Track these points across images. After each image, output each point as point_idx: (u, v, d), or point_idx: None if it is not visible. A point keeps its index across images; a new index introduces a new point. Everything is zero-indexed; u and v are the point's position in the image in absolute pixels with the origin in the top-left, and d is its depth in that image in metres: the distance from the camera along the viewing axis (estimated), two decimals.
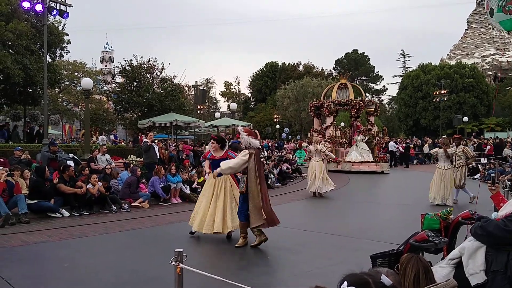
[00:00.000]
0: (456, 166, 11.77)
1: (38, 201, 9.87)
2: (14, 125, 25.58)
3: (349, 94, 25.89)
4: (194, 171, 14.80)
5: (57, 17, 19.76)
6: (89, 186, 10.73)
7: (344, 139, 25.31)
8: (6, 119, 31.60)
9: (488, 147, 26.38)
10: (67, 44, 25.00)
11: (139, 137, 14.79)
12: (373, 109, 26.32)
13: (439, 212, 4.56)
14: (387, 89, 71.99)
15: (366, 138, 23.31)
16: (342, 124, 30.10)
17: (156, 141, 14.52)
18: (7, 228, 8.54)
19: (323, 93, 28.52)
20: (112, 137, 34.25)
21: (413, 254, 3.05)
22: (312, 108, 27.17)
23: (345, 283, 1.80)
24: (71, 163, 12.24)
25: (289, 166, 19.73)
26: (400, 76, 69.45)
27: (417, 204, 11.36)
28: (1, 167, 10.50)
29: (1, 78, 22.16)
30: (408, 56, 76.87)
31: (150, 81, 28.18)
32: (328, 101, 25.70)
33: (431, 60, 62.01)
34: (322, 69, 65.02)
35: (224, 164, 7.02)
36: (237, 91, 71.13)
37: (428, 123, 46.81)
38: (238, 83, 70.97)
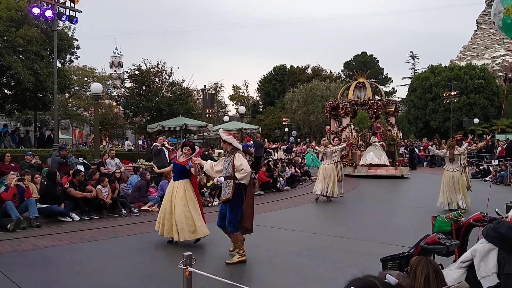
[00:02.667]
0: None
1: (49, 205, 9.93)
2: (25, 130, 25.85)
3: (367, 94, 24.39)
4: (202, 174, 14.80)
5: (67, 23, 19.95)
6: (102, 190, 10.80)
7: (361, 142, 23.85)
8: (17, 124, 31.96)
9: (499, 148, 26.11)
10: (76, 49, 25.23)
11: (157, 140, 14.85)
12: (393, 109, 24.55)
13: (450, 214, 4.52)
14: (396, 91, 71.75)
15: (381, 142, 21.84)
16: (353, 127, 27.03)
17: (166, 144, 14.54)
18: (18, 232, 8.60)
19: (340, 92, 27.18)
20: (140, 142, 33.76)
21: (422, 256, 3.02)
22: (328, 108, 25.74)
23: None
24: (81, 167, 12.33)
25: (298, 170, 19.69)
26: (409, 78, 69.23)
27: (427, 206, 11.25)
28: (12, 172, 10.58)
29: (12, 84, 22.41)
30: (417, 58, 76.74)
31: (159, 85, 28.36)
32: (344, 101, 24.26)
33: (440, 62, 61.78)
34: (330, 72, 64.95)
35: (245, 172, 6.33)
36: (246, 95, 71.29)
37: (438, 125, 46.46)
38: (247, 86, 71.30)
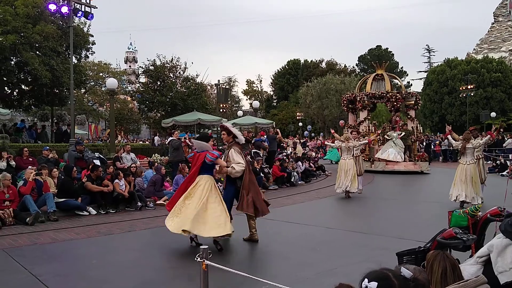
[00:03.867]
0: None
1: (66, 199, 10.10)
2: (42, 125, 26.19)
3: (386, 86, 23.57)
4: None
5: (82, 19, 20.11)
6: (120, 183, 10.93)
7: (379, 136, 22.61)
8: (34, 120, 32.41)
9: None
10: (92, 45, 25.43)
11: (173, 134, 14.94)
12: (413, 102, 23.40)
13: (467, 209, 4.48)
14: (411, 85, 70.95)
15: (402, 134, 21.06)
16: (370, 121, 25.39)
17: (183, 138, 14.60)
18: (36, 225, 8.76)
19: (358, 85, 26.40)
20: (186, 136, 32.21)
21: (439, 251, 3.01)
22: (345, 102, 24.83)
23: (366, 280, 1.80)
24: (97, 162, 12.48)
25: (312, 164, 19.66)
26: (425, 71, 68.41)
27: (443, 201, 11.12)
28: (30, 166, 10.75)
29: (29, 80, 22.70)
30: (433, 51, 75.87)
31: (173, 80, 28.52)
32: (361, 94, 23.46)
33: (457, 55, 60.90)
34: (345, 66, 64.53)
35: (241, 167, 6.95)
36: (260, 89, 71.23)
37: (454, 119, 45.91)
38: (261, 81, 71.19)
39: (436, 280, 2.73)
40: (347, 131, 23.12)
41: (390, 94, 22.98)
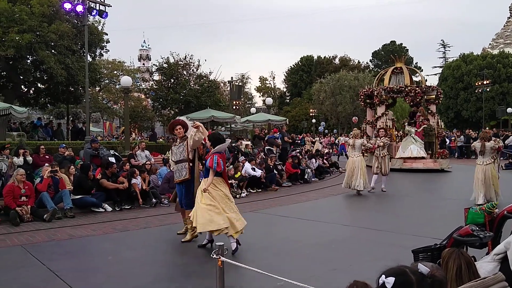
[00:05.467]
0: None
1: (82, 196, 10.23)
2: (57, 123, 26.54)
3: (405, 80, 22.67)
4: (230, 166, 14.92)
5: (97, 17, 20.30)
6: (134, 181, 11.03)
7: (397, 132, 22.31)
8: (50, 117, 32.84)
9: None
10: (106, 43, 25.66)
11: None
12: (434, 96, 22.45)
13: (483, 206, 4.44)
14: (426, 80, 70.08)
15: (421, 129, 20.41)
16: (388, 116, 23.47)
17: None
18: (53, 222, 8.90)
19: (376, 79, 25.41)
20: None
21: (454, 248, 2.99)
22: (362, 97, 24.05)
23: (383, 276, 1.80)
24: (112, 159, 12.60)
25: (325, 161, 19.60)
26: (440, 67, 67.69)
27: (460, 198, 11.02)
28: (47, 164, 10.89)
29: (45, 78, 23.02)
30: (448, 46, 74.82)
31: (187, 77, 28.64)
32: (379, 89, 22.58)
33: (472, 50, 60.09)
34: (358, 62, 64.08)
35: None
36: (273, 86, 71.10)
37: (470, 115, 45.40)
38: (273, 78, 70.98)
39: (451, 278, 2.72)
40: (365, 127, 22.96)
41: (409, 88, 21.99)
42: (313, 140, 28.33)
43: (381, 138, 13.35)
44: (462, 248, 3.45)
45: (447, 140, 28.80)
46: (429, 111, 22.29)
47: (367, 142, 13.52)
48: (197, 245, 6.75)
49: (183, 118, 7.93)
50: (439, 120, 22.71)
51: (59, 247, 7.06)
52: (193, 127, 7.04)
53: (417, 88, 22.22)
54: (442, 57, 74.95)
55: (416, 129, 20.54)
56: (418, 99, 22.19)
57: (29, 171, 10.69)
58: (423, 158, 19.54)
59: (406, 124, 21.52)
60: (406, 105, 32.50)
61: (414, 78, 28.10)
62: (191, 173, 7.19)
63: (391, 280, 1.76)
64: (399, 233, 7.58)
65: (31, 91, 25.16)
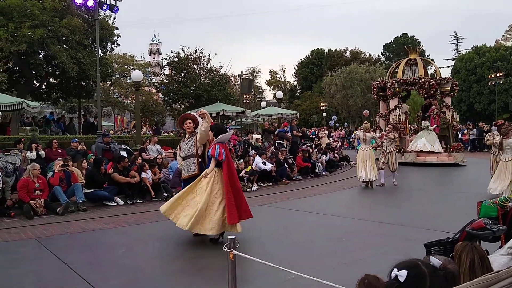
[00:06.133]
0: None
1: (94, 190, 10.33)
2: (69, 117, 26.77)
3: (419, 71, 22.07)
4: (241, 160, 14.95)
5: (107, 12, 20.38)
6: (144, 175, 11.10)
7: (410, 125, 21.82)
8: (62, 112, 33.14)
9: None
10: (117, 38, 25.76)
11: None
12: (449, 88, 21.66)
13: (496, 200, 4.40)
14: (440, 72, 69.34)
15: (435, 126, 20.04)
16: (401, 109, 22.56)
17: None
18: (67, 215, 9.01)
19: (389, 71, 24.87)
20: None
21: (467, 242, 2.97)
22: (375, 89, 23.45)
23: (395, 269, 1.80)
24: (123, 153, 12.69)
25: (336, 155, 19.53)
26: (453, 59, 66.84)
27: (473, 192, 10.92)
28: (59, 158, 10.99)
29: (57, 73, 23.19)
30: (461, 39, 73.76)
31: (197, 71, 28.66)
32: (391, 81, 22.00)
33: (485, 42, 59.19)
34: (369, 55, 63.51)
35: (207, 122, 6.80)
36: (283, 80, 70.85)
37: (483, 108, 44.88)
38: (284, 71, 70.68)
39: (464, 272, 2.70)
40: (378, 120, 22.76)
41: (423, 80, 21.33)
42: (322, 135, 28.07)
43: (389, 134, 13.27)
44: (475, 242, 3.43)
45: (459, 134, 28.49)
46: (444, 104, 21.69)
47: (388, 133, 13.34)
48: (209, 238, 6.77)
49: (193, 113, 7.85)
50: (454, 113, 22.13)
51: (72, 240, 7.15)
52: (197, 115, 6.99)
53: (432, 80, 21.53)
54: (454, 49, 74.03)
55: (431, 127, 20.04)
56: (432, 91, 21.60)
57: (42, 165, 10.80)
58: (438, 152, 19.13)
59: (422, 122, 20.87)
60: (418, 98, 32.19)
61: (428, 71, 27.60)
62: (199, 169, 7.01)
63: (404, 273, 1.76)
64: (411, 227, 7.54)
65: (43, 85, 25.38)
